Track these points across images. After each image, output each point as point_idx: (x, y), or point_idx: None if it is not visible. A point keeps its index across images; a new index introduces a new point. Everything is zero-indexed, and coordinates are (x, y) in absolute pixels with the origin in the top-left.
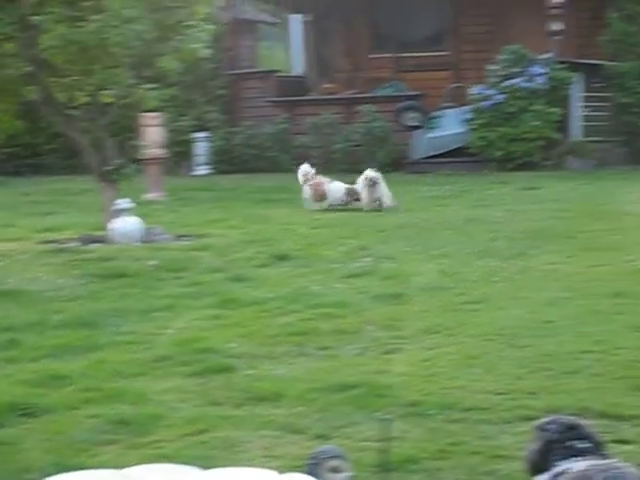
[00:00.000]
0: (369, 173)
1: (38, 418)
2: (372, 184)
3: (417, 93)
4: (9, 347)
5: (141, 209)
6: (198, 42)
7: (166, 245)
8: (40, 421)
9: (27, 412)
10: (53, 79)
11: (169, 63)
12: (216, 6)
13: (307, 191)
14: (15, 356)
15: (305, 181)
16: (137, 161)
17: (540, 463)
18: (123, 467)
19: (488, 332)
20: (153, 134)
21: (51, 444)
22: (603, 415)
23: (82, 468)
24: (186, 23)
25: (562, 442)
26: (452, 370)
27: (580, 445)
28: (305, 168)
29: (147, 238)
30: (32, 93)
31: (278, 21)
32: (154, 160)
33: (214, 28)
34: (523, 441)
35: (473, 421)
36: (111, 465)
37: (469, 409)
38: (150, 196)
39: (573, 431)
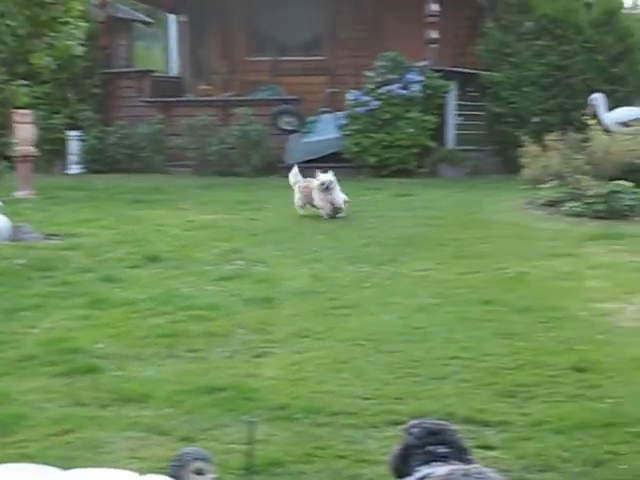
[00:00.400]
0: (323, 177)
1: None
2: (325, 189)
3: (294, 97)
4: None
5: (10, 207)
6: (72, 39)
7: (35, 244)
8: None
9: None
10: None
11: (42, 60)
12: (91, 3)
13: (297, 194)
14: None
15: (295, 183)
16: (7, 158)
17: (401, 467)
18: None
19: (357, 337)
20: (24, 131)
21: None
22: (469, 421)
23: None
24: (60, 20)
25: (422, 447)
26: (321, 374)
27: (441, 450)
28: (295, 171)
29: (15, 237)
30: None
31: (153, 21)
32: (25, 158)
33: (89, 26)
34: (389, 445)
35: (340, 425)
36: None
37: (336, 413)
38: (20, 194)
39: (434, 436)
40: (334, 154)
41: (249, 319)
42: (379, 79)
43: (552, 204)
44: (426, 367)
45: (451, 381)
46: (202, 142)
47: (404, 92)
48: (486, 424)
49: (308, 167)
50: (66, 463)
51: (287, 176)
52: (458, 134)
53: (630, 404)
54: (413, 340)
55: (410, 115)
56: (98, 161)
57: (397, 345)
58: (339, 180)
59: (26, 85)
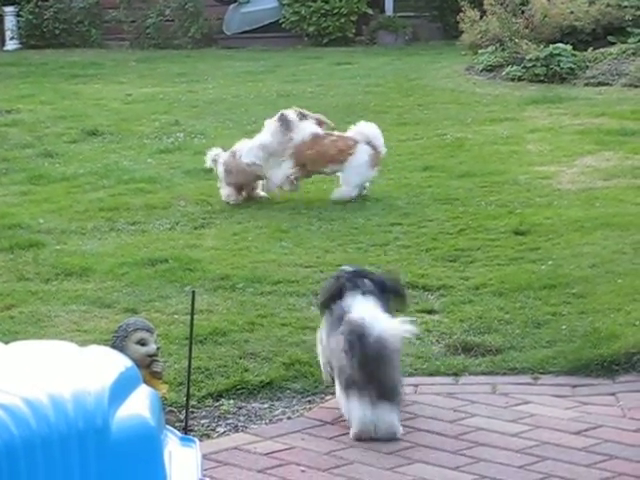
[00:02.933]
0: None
1: None
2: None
3: None
4: None
5: None
6: None
7: None
8: None
9: None
10: None
11: None
12: None
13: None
14: None
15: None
16: None
17: (330, 303)
18: None
19: (297, 206)
20: None
21: None
22: (411, 286)
23: None
24: None
25: (353, 283)
26: (262, 244)
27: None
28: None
29: None
30: None
31: None
32: None
33: None
34: None
35: (282, 293)
36: None
37: (278, 282)
38: None
39: (361, 274)
40: (272, 24)
41: (189, 191)
42: None
43: (491, 69)
44: (367, 234)
45: (392, 247)
46: (139, 15)
47: None
48: (427, 289)
49: (245, 38)
50: (9, 337)
51: (227, 47)
52: (397, 0)
53: (570, 265)
54: (353, 208)
55: None
56: (35, 36)
57: (337, 213)
58: (276, 50)
59: None
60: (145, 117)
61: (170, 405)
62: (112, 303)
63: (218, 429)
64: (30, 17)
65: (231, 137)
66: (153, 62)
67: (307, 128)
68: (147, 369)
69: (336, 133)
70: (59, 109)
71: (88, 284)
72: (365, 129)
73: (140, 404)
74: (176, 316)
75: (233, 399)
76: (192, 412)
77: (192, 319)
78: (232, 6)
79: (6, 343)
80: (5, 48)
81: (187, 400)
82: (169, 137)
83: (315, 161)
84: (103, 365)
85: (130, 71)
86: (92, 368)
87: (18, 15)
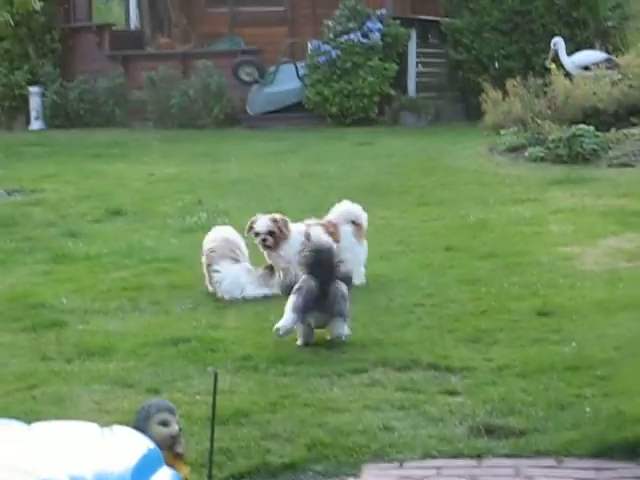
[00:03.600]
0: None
1: None
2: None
3: (254, 48)
4: None
5: None
6: None
7: None
8: None
9: None
10: None
11: (1, 16)
12: None
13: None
14: None
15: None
16: None
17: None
18: None
19: None
20: None
21: None
22: (433, 367)
23: None
24: None
25: None
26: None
27: None
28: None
29: None
30: None
31: None
32: None
33: None
34: (354, 393)
35: (304, 374)
36: None
37: (300, 363)
38: None
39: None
40: (295, 105)
41: None
42: (339, 28)
43: (514, 150)
44: (389, 315)
45: (415, 328)
46: (163, 95)
47: (364, 40)
48: (450, 370)
49: (269, 118)
50: (31, 417)
51: (250, 127)
52: (419, 81)
53: (594, 347)
54: (376, 288)
55: (371, 63)
56: (60, 116)
57: (360, 293)
58: (299, 130)
59: None
60: (168, 197)
61: None
62: (134, 383)
63: None
64: (55, 97)
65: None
66: (177, 142)
67: (297, 237)
68: (169, 450)
69: (321, 222)
70: (83, 188)
71: (110, 364)
72: (342, 209)
73: None
74: (198, 397)
75: None
76: None
77: (214, 400)
78: (255, 86)
79: (28, 423)
80: (30, 128)
81: None
82: (192, 217)
83: None
84: (126, 446)
85: (154, 151)
86: (115, 449)
87: (43, 95)
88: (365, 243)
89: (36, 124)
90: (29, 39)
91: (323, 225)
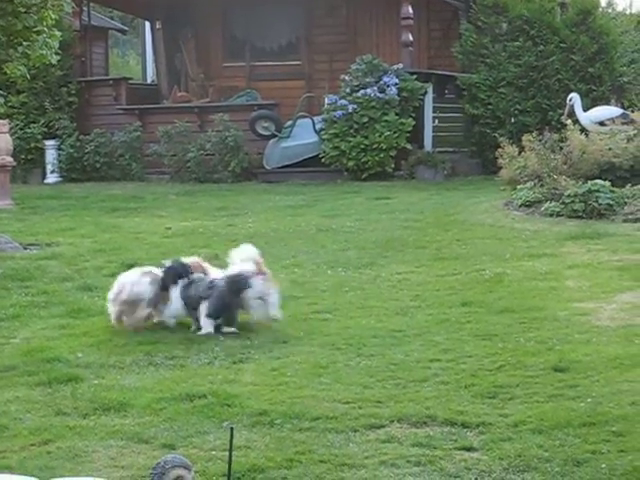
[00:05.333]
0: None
1: None
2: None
3: (271, 102)
4: None
5: None
6: (47, 48)
7: (13, 254)
8: None
9: None
10: None
11: (17, 69)
12: (65, 12)
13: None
14: None
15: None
16: None
17: None
18: None
19: (337, 341)
20: (1, 141)
21: None
22: (449, 423)
23: None
24: (35, 29)
25: None
26: (300, 379)
27: None
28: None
29: None
30: None
31: (128, 29)
32: (2, 168)
33: (64, 34)
34: (370, 449)
35: (320, 430)
36: None
37: (316, 418)
38: None
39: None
40: (312, 158)
41: None
42: (355, 83)
43: (530, 204)
44: (406, 370)
45: (431, 383)
46: (180, 149)
47: (381, 95)
48: (466, 426)
49: (285, 172)
50: (46, 473)
51: (267, 181)
52: (435, 136)
53: (609, 403)
54: (392, 343)
55: (387, 118)
56: (76, 170)
57: (377, 349)
58: (316, 184)
59: (2, 95)
60: (184, 251)
61: None
62: (150, 438)
63: None
64: (71, 150)
65: (270, 271)
66: (193, 196)
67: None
68: None
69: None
70: (99, 242)
71: (126, 419)
72: (242, 254)
73: None
74: (214, 452)
75: None
76: None
77: (230, 456)
78: (272, 141)
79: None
80: (46, 181)
81: None
82: None
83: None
84: None
85: (170, 205)
86: None
87: (59, 148)
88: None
89: (52, 177)
90: (45, 92)
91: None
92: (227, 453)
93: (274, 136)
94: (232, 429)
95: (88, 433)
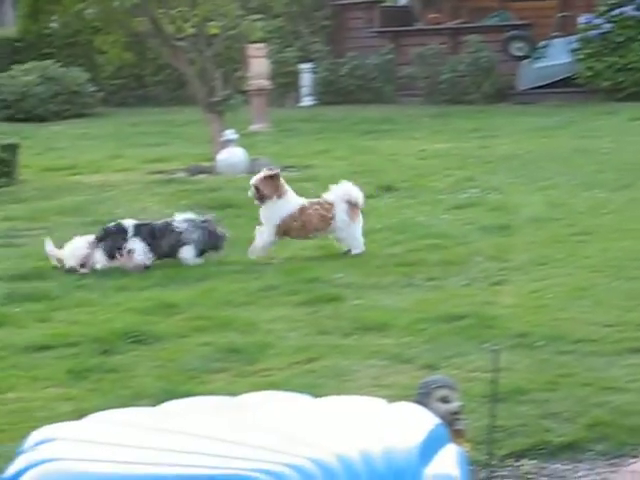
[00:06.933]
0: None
1: (149, 345)
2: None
3: (524, 22)
4: (119, 276)
5: (246, 140)
6: None
7: None
8: (151, 348)
9: (138, 339)
10: (160, 11)
11: None
12: None
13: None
14: (125, 284)
15: None
16: (243, 92)
17: None
18: (235, 394)
19: (597, 264)
20: (258, 65)
21: (162, 371)
22: None
23: (192, 395)
24: None
25: None
26: (560, 302)
27: None
28: None
29: (253, 169)
30: (140, 25)
31: None
32: (259, 91)
33: None
34: (633, 373)
35: (582, 353)
36: (221, 392)
37: (578, 341)
38: (255, 127)
39: None
40: (566, 79)
41: (485, 247)
42: (612, 1)
43: None
44: None
45: None
46: (432, 71)
47: (638, 13)
48: None
49: (538, 93)
50: (310, 391)
51: (519, 102)
52: None
53: None
54: None
55: None
56: (329, 93)
57: (637, 272)
58: (569, 105)
59: (260, 19)
60: (439, 172)
61: (471, 464)
62: (411, 359)
63: None
64: (326, 74)
65: (526, 193)
66: (446, 118)
67: (293, 200)
68: (450, 427)
69: (315, 200)
70: (354, 164)
71: (387, 339)
72: (340, 190)
73: (449, 462)
74: (475, 373)
75: (534, 459)
76: (494, 471)
77: (496, 377)
78: (526, 61)
79: (315, 397)
80: (301, 104)
81: (489, 459)
82: (464, 193)
83: (299, 230)
84: (412, 422)
85: (423, 127)
86: (402, 425)
87: (314, 72)
88: (359, 220)
89: (307, 100)
90: (300, 16)
91: (319, 203)
92: (488, 375)
93: (527, 57)
94: (498, 350)
95: (350, 352)
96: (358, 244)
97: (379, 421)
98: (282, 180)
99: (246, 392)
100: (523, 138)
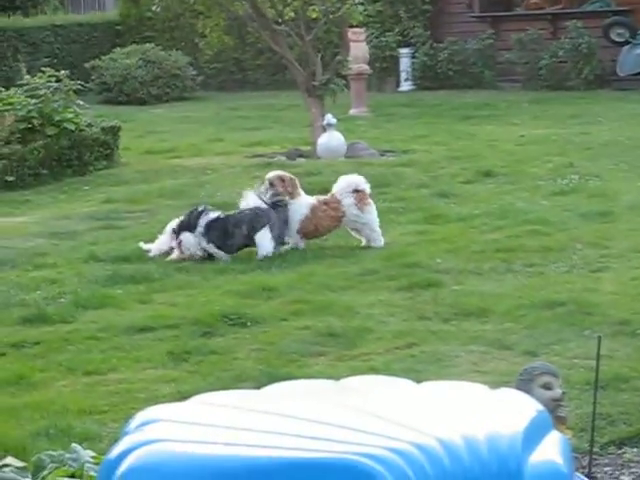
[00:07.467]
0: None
1: (248, 328)
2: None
3: (625, 8)
4: (218, 259)
5: (344, 124)
6: None
7: (370, 160)
8: (250, 331)
9: (238, 322)
10: None
11: None
12: None
13: None
14: (225, 268)
15: None
16: (343, 77)
17: None
18: (335, 378)
19: None
20: (358, 50)
21: (262, 354)
22: None
23: (292, 378)
24: None
25: None
26: None
27: None
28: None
29: (351, 153)
30: (240, 9)
31: None
32: (358, 76)
33: None
34: None
35: None
36: (321, 376)
37: None
38: (354, 112)
39: None
40: None
41: (585, 234)
42: None
43: None
44: None
45: None
46: (532, 56)
47: None
48: None
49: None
50: (410, 375)
51: (620, 88)
52: None
53: None
54: None
55: None
56: (428, 78)
57: None
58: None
59: (361, 4)
60: (538, 158)
61: (573, 451)
62: (511, 345)
63: (622, 477)
64: (425, 59)
65: (626, 180)
66: (545, 103)
67: (304, 202)
68: (552, 414)
69: (322, 198)
70: (453, 150)
71: (486, 325)
72: (343, 183)
73: (553, 450)
74: (575, 360)
75: (637, 447)
76: (595, 459)
77: (598, 365)
78: (626, 47)
79: (416, 382)
80: (400, 89)
81: (591, 447)
82: (563, 179)
83: (313, 232)
84: (516, 408)
85: (523, 112)
86: (505, 411)
87: (413, 57)
88: (370, 208)
89: (406, 85)
90: (400, 1)
91: (327, 202)
92: (589, 362)
93: (628, 43)
94: (600, 337)
95: (450, 337)
96: (377, 236)
97: (482, 407)
98: (298, 183)
99: (346, 376)
100: (624, 124)
